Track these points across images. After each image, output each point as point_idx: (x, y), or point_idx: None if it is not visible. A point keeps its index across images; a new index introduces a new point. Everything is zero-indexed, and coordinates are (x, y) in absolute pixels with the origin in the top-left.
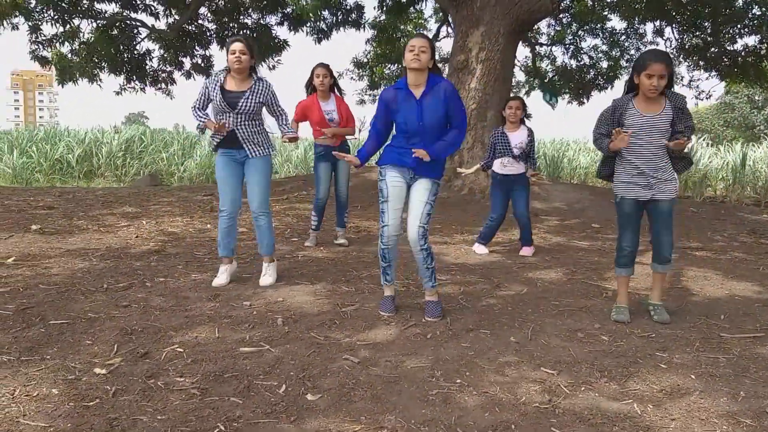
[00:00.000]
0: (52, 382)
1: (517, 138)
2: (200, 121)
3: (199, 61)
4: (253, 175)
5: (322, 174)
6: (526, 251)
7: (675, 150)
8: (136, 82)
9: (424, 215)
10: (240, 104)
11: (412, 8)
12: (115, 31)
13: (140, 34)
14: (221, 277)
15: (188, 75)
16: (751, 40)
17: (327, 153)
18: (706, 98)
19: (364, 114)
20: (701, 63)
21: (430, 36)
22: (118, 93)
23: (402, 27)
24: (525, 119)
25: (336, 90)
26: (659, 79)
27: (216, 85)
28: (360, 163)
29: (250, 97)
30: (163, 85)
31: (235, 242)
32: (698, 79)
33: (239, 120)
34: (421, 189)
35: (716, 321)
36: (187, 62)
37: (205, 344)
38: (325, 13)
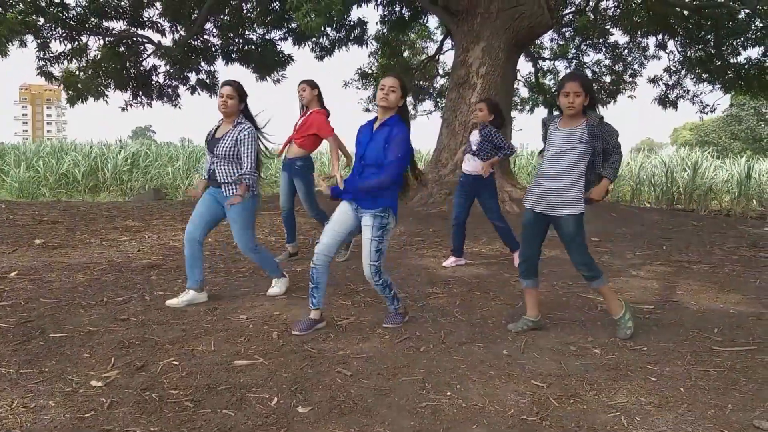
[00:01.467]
0: (49, 394)
1: (474, 137)
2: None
3: (204, 77)
4: (233, 221)
5: (282, 185)
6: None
7: (593, 199)
8: (142, 97)
9: (373, 253)
10: (216, 147)
11: (415, 22)
12: (122, 48)
13: (146, 50)
14: (180, 299)
15: (193, 90)
16: (755, 53)
17: (285, 164)
18: (711, 112)
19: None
20: (705, 76)
21: (433, 49)
22: (123, 109)
23: (406, 39)
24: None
25: (319, 103)
26: (575, 96)
27: (213, 128)
28: (333, 197)
29: (226, 141)
30: (169, 100)
31: (200, 275)
32: (701, 93)
33: (217, 162)
34: (366, 227)
35: (709, 334)
36: (192, 77)
37: (200, 357)
38: (329, 29)
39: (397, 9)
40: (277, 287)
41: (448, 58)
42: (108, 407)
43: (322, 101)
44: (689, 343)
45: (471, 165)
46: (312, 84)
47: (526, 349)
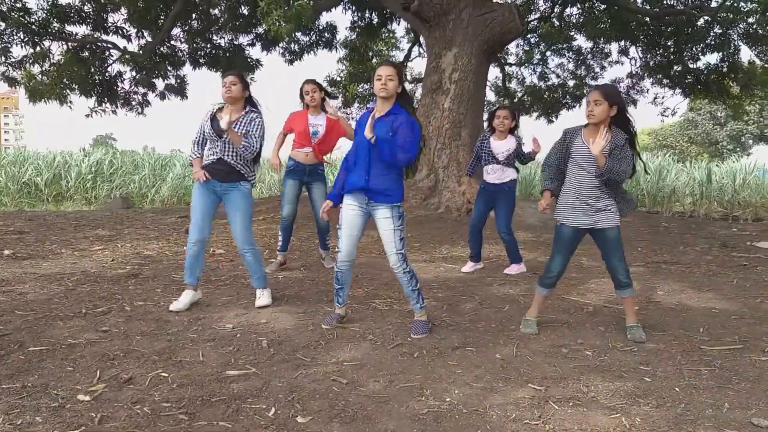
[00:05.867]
0: (35, 410)
1: (503, 146)
2: (192, 155)
3: (173, 82)
4: (233, 212)
5: (289, 191)
6: (511, 269)
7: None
8: (107, 104)
9: (398, 242)
10: (227, 132)
11: (383, 29)
12: (86, 54)
13: (112, 56)
14: (181, 302)
15: (162, 96)
16: (713, 58)
17: (297, 170)
18: (672, 115)
19: None
20: (665, 81)
21: (401, 57)
22: (88, 115)
23: (374, 47)
24: (515, 129)
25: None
26: (594, 105)
27: (207, 116)
28: (334, 205)
29: (237, 126)
30: (137, 107)
31: (201, 271)
32: (663, 97)
33: (227, 148)
34: (384, 219)
35: (695, 334)
36: (160, 83)
37: (189, 368)
38: (299, 34)
39: (367, 15)
40: (264, 298)
41: (415, 65)
42: (99, 422)
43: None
44: (678, 343)
45: (497, 176)
46: (319, 85)
47: (519, 353)
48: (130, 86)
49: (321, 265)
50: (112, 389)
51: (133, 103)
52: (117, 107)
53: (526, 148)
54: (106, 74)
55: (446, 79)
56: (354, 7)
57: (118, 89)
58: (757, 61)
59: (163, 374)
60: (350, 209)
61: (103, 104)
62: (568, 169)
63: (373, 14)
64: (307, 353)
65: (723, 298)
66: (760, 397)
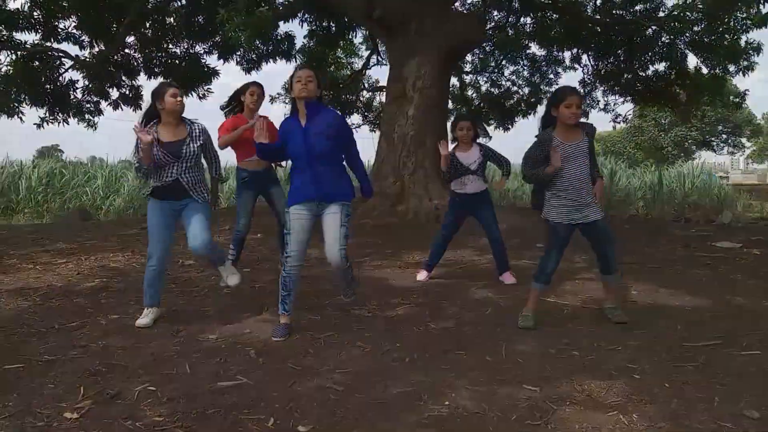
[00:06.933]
0: (20, 430)
1: (470, 158)
2: (137, 159)
3: (127, 92)
4: (195, 216)
5: (246, 203)
6: (508, 278)
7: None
8: (59, 114)
9: (342, 238)
10: (183, 151)
11: (342, 37)
12: (36, 63)
13: (64, 64)
14: (146, 318)
15: (116, 105)
16: (662, 66)
17: (252, 180)
18: (623, 121)
19: None
20: (616, 88)
21: (361, 64)
22: (38, 126)
23: (332, 54)
24: (479, 138)
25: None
26: (577, 108)
27: (151, 141)
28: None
29: (191, 142)
30: (89, 117)
31: (161, 290)
32: (615, 104)
33: (183, 168)
34: (332, 214)
35: (675, 331)
36: (114, 93)
37: (177, 381)
38: (258, 42)
39: (325, 24)
40: (233, 276)
41: (374, 73)
42: None
43: None
44: (660, 341)
45: (475, 185)
46: (264, 90)
47: (508, 355)
48: (83, 95)
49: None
50: (100, 405)
51: (86, 113)
52: (69, 117)
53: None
54: (58, 83)
55: (410, 87)
56: (312, 17)
57: (71, 98)
58: (704, 69)
59: (151, 388)
60: (298, 214)
61: (55, 114)
62: (560, 170)
63: (331, 23)
64: (298, 362)
65: (695, 296)
66: (747, 390)
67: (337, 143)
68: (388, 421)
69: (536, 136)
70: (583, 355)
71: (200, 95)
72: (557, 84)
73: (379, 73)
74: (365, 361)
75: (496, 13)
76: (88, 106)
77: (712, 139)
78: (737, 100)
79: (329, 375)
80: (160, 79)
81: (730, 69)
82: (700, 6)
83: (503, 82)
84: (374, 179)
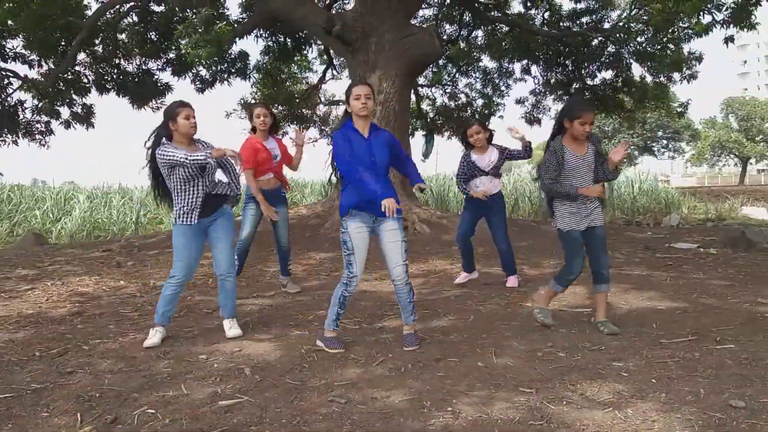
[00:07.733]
0: None
1: (486, 158)
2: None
3: (79, 110)
4: (222, 238)
5: (253, 217)
6: (513, 282)
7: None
8: (8, 135)
9: (404, 253)
10: (207, 165)
11: (297, 53)
12: None
13: (12, 84)
14: (155, 338)
15: (67, 125)
16: (608, 75)
17: (264, 197)
18: None
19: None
20: (565, 97)
21: (315, 78)
22: None
23: (287, 70)
24: (491, 138)
25: (275, 129)
26: (590, 125)
27: (179, 153)
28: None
29: (209, 155)
30: (39, 137)
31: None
32: None
33: (208, 180)
34: (392, 231)
35: (651, 330)
36: (65, 111)
37: (176, 403)
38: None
39: (281, 39)
40: (236, 328)
41: (329, 87)
42: None
43: None
44: (639, 339)
45: (486, 187)
46: (270, 110)
47: (499, 360)
48: (32, 115)
49: (276, 291)
50: (101, 431)
51: (36, 133)
52: (18, 137)
53: (516, 145)
54: (6, 103)
55: None
56: (267, 33)
57: (20, 119)
58: (648, 77)
59: (150, 411)
60: (359, 231)
61: (3, 135)
62: (564, 180)
63: (287, 39)
64: (294, 377)
65: (663, 296)
66: (728, 381)
67: (392, 155)
68: (399, 430)
69: (547, 144)
70: (569, 356)
71: (153, 108)
72: (509, 96)
73: (335, 88)
74: (361, 373)
75: (448, 26)
76: (38, 126)
77: (653, 144)
78: (680, 109)
79: (328, 388)
80: (113, 95)
81: (674, 78)
82: (645, 18)
83: (459, 94)
84: (335, 194)
